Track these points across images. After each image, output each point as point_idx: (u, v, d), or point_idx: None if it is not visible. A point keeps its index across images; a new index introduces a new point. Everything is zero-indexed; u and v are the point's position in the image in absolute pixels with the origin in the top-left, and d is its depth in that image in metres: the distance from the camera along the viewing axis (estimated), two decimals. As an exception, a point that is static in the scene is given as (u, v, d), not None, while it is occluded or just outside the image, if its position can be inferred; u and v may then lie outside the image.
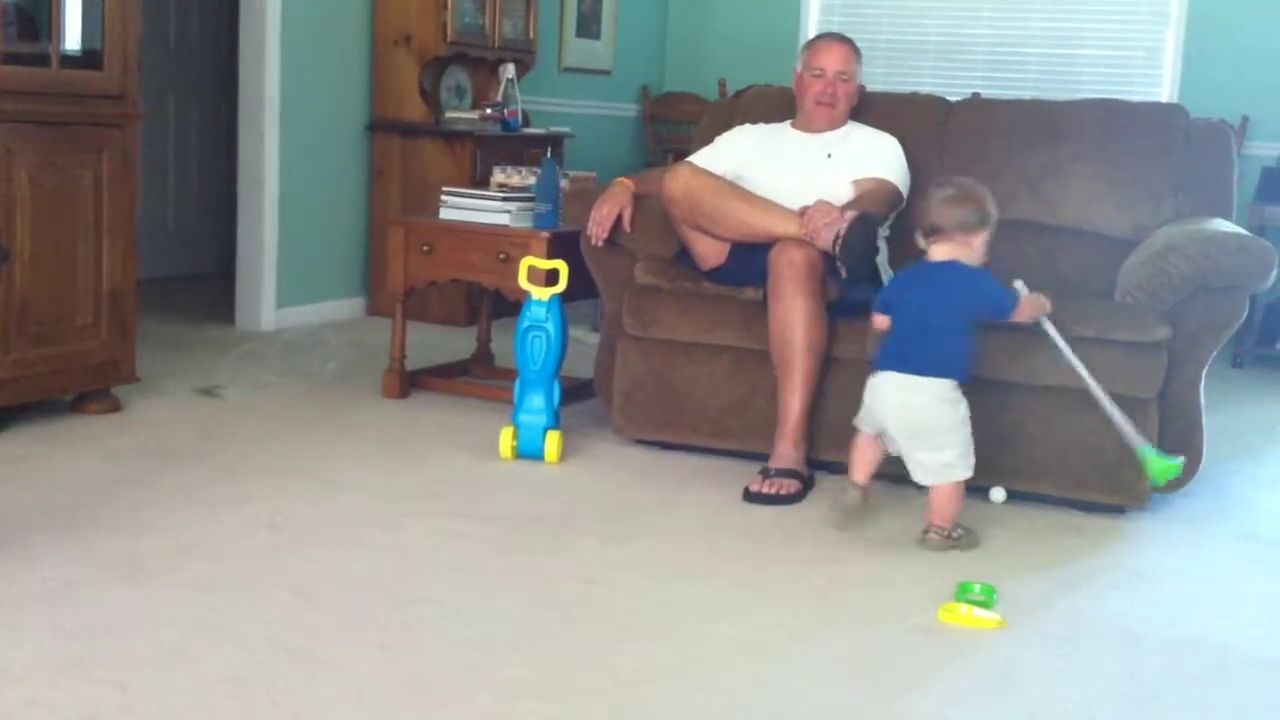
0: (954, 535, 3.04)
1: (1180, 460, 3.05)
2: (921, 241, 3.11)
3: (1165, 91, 6.46)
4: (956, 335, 3.05)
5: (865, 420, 3.11)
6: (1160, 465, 3.01)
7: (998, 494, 3.34)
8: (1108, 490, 3.36)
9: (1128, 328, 3.30)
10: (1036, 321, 3.12)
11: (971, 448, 3.05)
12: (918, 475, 3.07)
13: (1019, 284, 3.11)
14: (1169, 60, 6.50)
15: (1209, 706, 2.32)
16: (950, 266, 3.05)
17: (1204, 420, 3.42)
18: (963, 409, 3.04)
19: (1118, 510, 3.39)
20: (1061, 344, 3.09)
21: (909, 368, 3.02)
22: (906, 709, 2.25)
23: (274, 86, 5.17)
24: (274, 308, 5.28)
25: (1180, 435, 3.38)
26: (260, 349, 4.86)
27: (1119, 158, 3.86)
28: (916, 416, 3.03)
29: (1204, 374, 3.41)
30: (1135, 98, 6.01)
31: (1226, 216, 3.70)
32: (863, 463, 3.14)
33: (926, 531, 3.06)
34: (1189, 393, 3.38)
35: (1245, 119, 6.16)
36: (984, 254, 3.09)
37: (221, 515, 3.01)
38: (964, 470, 3.04)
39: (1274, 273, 3.29)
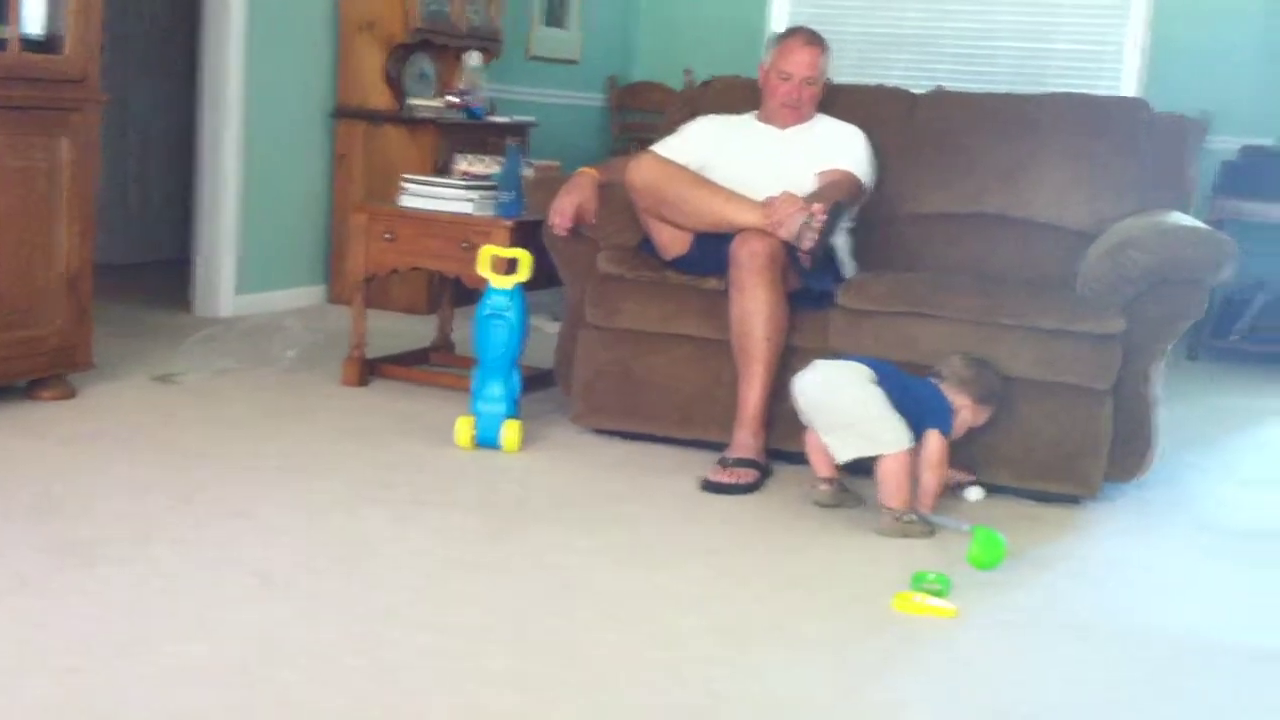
0: (905, 519, 3.07)
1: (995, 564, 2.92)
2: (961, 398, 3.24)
3: (1129, 86, 6.50)
4: (889, 388, 3.16)
5: (801, 415, 3.24)
6: (977, 554, 2.89)
7: (974, 493, 3.35)
8: (1064, 480, 3.38)
9: (1085, 319, 3.32)
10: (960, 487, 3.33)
11: (898, 425, 3.10)
12: (841, 454, 3.12)
13: (973, 492, 3.35)
14: (1133, 55, 6.54)
15: (1161, 695, 2.34)
16: (934, 390, 3.22)
17: (1159, 411, 3.45)
18: (878, 391, 3.12)
19: (1073, 500, 3.42)
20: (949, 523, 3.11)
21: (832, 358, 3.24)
22: (872, 697, 2.26)
23: (237, 71, 5.13)
24: (233, 294, 5.25)
25: (1133, 426, 3.40)
26: (219, 335, 4.82)
27: (1083, 151, 3.88)
28: (827, 392, 3.14)
29: (1160, 366, 3.44)
30: (1100, 92, 6.07)
31: (1186, 210, 3.72)
32: (818, 457, 3.20)
33: (881, 514, 3.09)
34: (1143, 384, 3.41)
35: (1206, 113, 6.20)
36: (961, 424, 3.22)
37: (180, 503, 2.98)
38: (898, 443, 3.08)
39: (1231, 266, 3.32)
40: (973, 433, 3.27)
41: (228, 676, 2.15)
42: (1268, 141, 5.95)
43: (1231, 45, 6.31)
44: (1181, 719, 2.26)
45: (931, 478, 3.13)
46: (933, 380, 3.24)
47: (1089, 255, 3.56)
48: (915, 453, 3.11)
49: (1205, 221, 3.62)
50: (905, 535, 3.05)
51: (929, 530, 3.08)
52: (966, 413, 3.22)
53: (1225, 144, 6.17)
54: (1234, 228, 5.47)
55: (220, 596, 2.48)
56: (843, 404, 3.14)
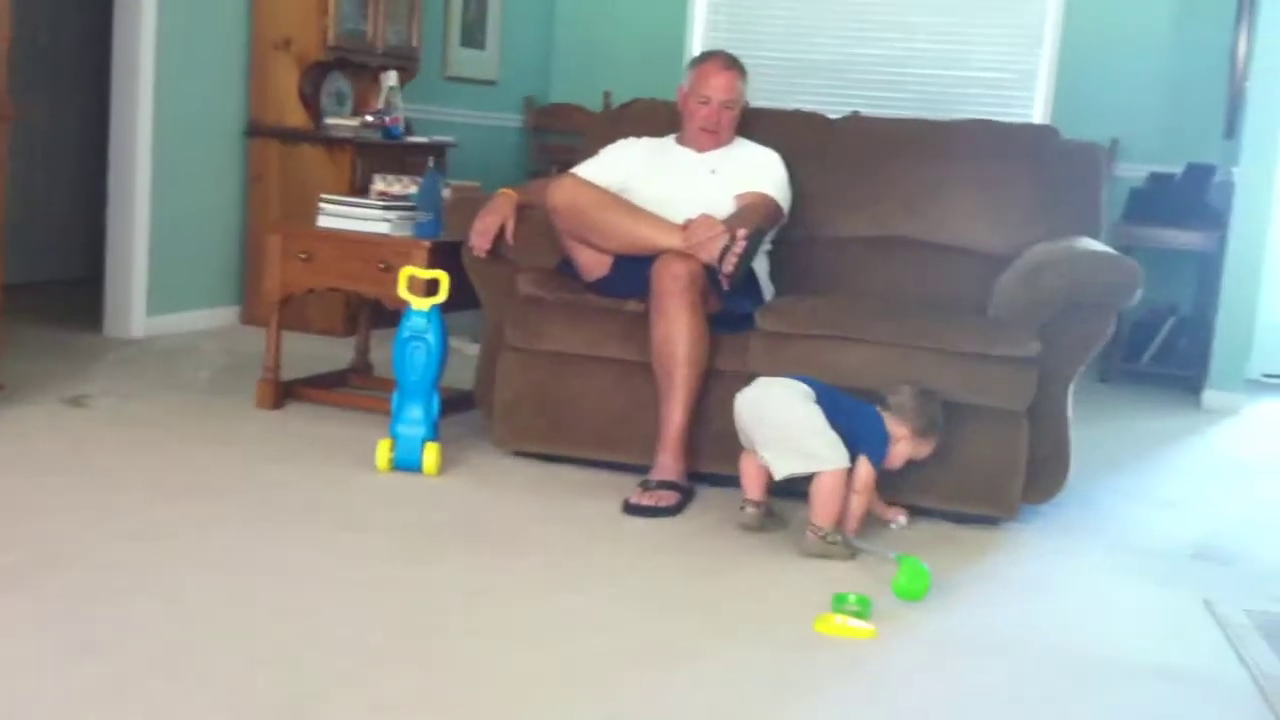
0: (830, 539, 3.08)
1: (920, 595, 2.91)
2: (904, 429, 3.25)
3: (1039, 113, 6.63)
4: (829, 413, 3.17)
5: (740, 434, 3.22)
6: (904, 585, 2.88)
7: (900, 521, 3.38)
8: (981, 501, 3.43)
9: (1001, 343, 3.37)
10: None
11: (836, 442, 3.12)
12: (780, 469, 3.13)
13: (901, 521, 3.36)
14: (1043, 83, 6.67)
15: (1074, 711, 2.38)
16: (876, 414, 3.23)
17: (1072, 433, 3.50)
18: (817, 409, 3.14)
19: (991, 521, 3.46)
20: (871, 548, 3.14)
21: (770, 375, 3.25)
22: (789, 717, 2.26)
23: (148, 88, 5.05)
24: (144, 315, 5.15)
25: (1049, 448, 3.46)
26: (131, 357, 4.73)
27: (994, 176, 3.95)
28: (768, 409, 3.16)
29: (1072, 388, 3.50)
30: (1011, 119, 6.18)
31: (1095, 236, 3.80)
32: (751, 479, 3.21)
33: (807, 531, 3.10)
34: (1058, 407, 3.46)
35: (1115, 141, 6.35)
36: (898, 453, 3.24)
37: (91, 527, 2.91)
38: (837, 460, 3.10)
39: (1139, 291, 3.39)
40: (911, 464, 3.29)
41: (130, 700, 2.10)
42: (1174, 169, 6.10)
43: (1139, 75, 6.46)
44: (1098, 737, 2.30)
45: (859, 503, 3.15)
46: (879, 408, 3.25)
47: (1003, 279, 3.61)
48: (847, 476, 3.13)
49: (1114, 248, 3.70)
50: (827, 555, 3.07)
51: (851, 553, 3.10)
52: (904, 444, 3.23)
53: (1133, 171, 6.32)
54: (1142, 254, 5.58)
55: (126, 620, 2.42)
56: (782, 419, 3.15)
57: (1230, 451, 4.80)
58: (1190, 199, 5.95)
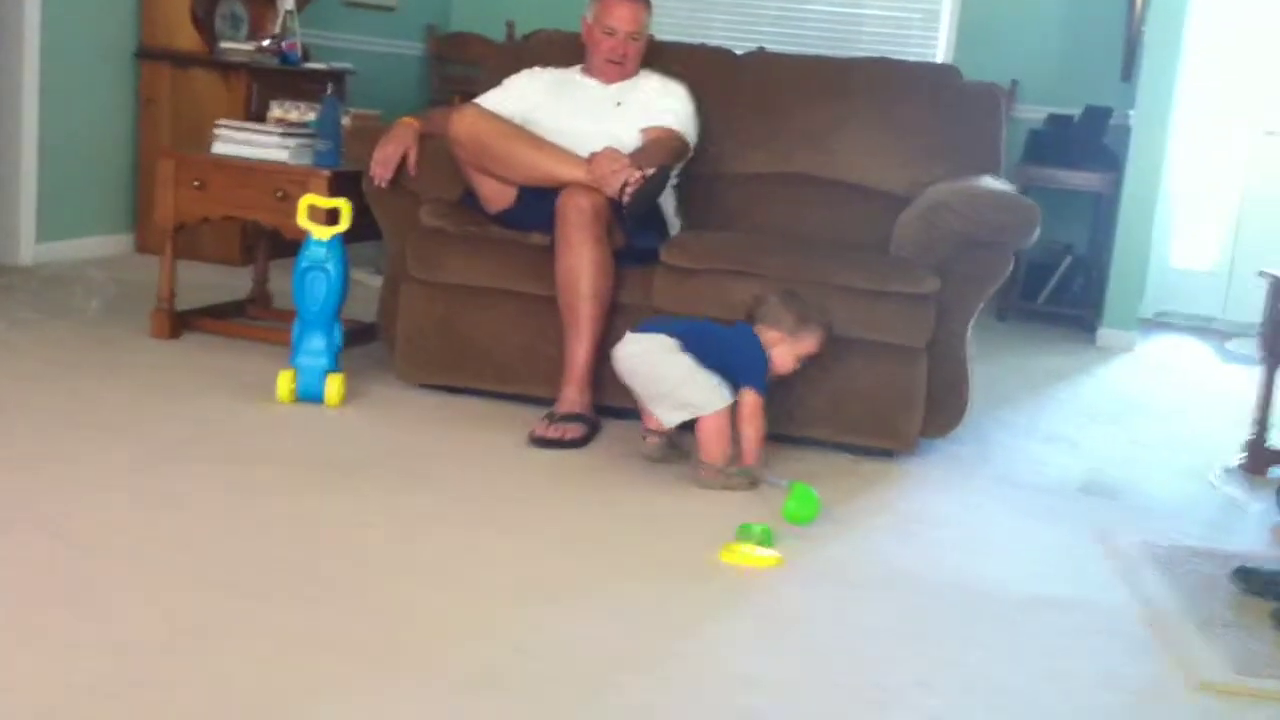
0: (725, 472, 3.11)
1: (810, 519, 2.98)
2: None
3: (940, 53, 6.68)
4: (704, 353, 3.17)
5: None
6: (793, 510, 2.96)
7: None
8: (879, 435, 3.48)
9: (900, 280, 3.40)
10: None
11: (708, 386, 3.13)
12: (667, 420, 3.17)
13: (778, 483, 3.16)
14: (945, 23, 6.71)
15: (970, 642, 2.43)
16: (746, 331, 3.23)
17: (970, 370, 3.56)
18: (683, 358, 3.15)
19: (888, 455, 3.51)
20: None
21: (638, 329, 3.23)
22: (685, 648, 2.28)
23: (34, 8, 4.86)
24: (33, 241, 4.99)
25: (947, 384, 3.51)
26: (18, 284, 4.59)
27: (896, 115, 3.96)
28: (639, 366, 3.18)
29: (970, 326, 3.55)
30: (913, 58, 6.21)
31: (995, 176, 3.84)
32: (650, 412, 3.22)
33: (699, 469, 3.12)
34: (956, 344, 3.52)
35: (1015, 83, 6.42)
36: (780, 360, 3.22)
37: (-27, 460, 2.83)
38: (711, 404, 3.12)
39: (1037, 231, 3.44)
40: (811, 364, 3.28)
41: (13, 630, 2.06)
42: (1072, 111, 6.19)
43: (1039, 17, 6.53)
44: (975, 660, 2.35)
45: (750, 432, 3.17)
46: (751, 325, 3.25)
47: (902, 218, 3.64)
48: (731, 412, 3.15)
49: (1013, 188, 3.75)
50: (726, 487, 3.10)
51: (750, 483, 3.13)
52: (784, 346, 3.23)
53: (1032, 113, 6.40)
54: (1040, 194, 5.67)
55: (10, 551, 2.37)
56: (655, 375, 3.17)
57: (1122, 389, 4.93)
58: (1087, 141, 6.05)
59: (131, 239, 5.46)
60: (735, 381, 3.17)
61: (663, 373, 3.16)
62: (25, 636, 2.07)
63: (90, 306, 4.36)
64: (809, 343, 3.26)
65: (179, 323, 4.05)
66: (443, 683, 2.06)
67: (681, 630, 2.35)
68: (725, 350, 3.21)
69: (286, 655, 2.10)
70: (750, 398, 3.17)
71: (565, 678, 2.12)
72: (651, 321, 3.30)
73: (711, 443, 3.12)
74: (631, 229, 3.48)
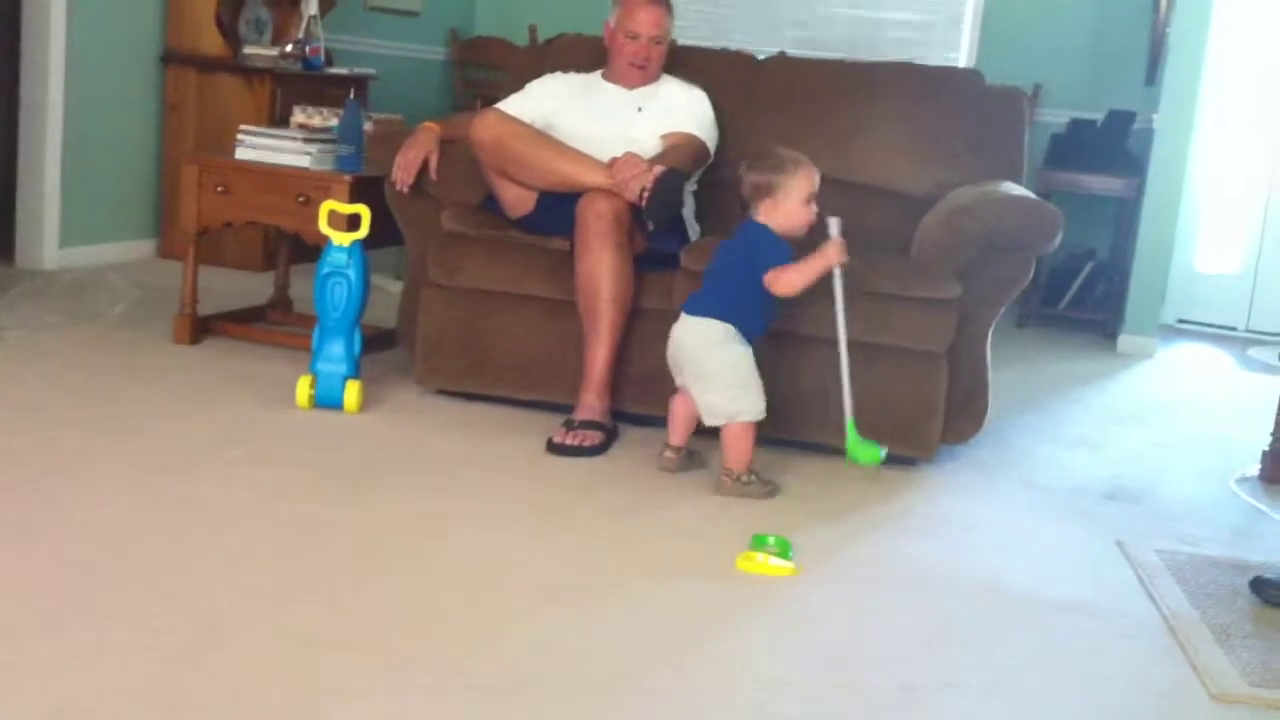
0: (745, 480, 3.11)
1: (883, 452, 3.09)
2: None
3: (964, 57, 6.66)
4: (739, 284, 3.15)
5: (672, 366, 3.22)
6: (859, 446, 3.07)
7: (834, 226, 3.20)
8: (900, 442, 3.45)
9: (923, 284, 3.39)
10: (835, 270, 3.15)
11: (753, 393, 3.12)
12: (705, 418, 3.16)
13: (833, 224, 3.16)
14: (968, 27, 6.70)
15: (995, 645, 2.43)
16: (747, 225, 3.19)
17: (990, 375, 3.55)
18: (733, 353, 3.13)
19: (909, 462, 3.50)
20: (839, 300, 3.13)
21: (689, 309, 3.19)
22: (710, 651, 2.28)
23: (60, 13, 4.90)
24: (57, 246, 5.03)
25: (968, 390, 3.50)
26: (42, 289, 4.62)
27: (919, 119, 3.95)
28: (687, 355, 3.15)
29: (991, 331, 3.54)
30: (936, 63, 6.20)
31: (1017, 180, 3.83)
32: (676, 424, 3.23)
33: (721, 476, 3.11)
34: (977, 349, 3.50)
35: (1038, 87, 6.40)
36: (789, 217, 3.15)
37: (3, 462, 2.85)
38: (748, 413, 3.11)
39: (1059, 236, 3.42)
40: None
41: (42, 635, 2.07)
42: (1095, 116, 6.16)
43: (1062, 21, 6.50)
44: (1000, 663, 2.34)
45: (794, 278, 3.11)
46: (752, 217, 3.19)
47: (924, 221, 3.63)
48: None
49: (1035, 192, 3.74)
50: (745, 495, 3.09)
51: (769, 491, 3.12)
52: (782, 209, 3.14)
53: (1055, 117, 6.37)
54: (1062, 199, 5.66)
55: (39, 556, 2.38)
56: (707, 369, 3.13)
57: (1143, 394, 4.90)
58: (1110, 145, 6.03)
59: (154, 244, 5.49)
60: (768, 269, 3.11)
61: (714, 370, 3.13)
62: (55, 639, 2.08)
63: (113, 311, 4.38)
64: (798, 186, 3.15)
65: (201, 327, 4.07)
66: (465, 685, 2.06)
67: (705, 634, 2.35)
68: (747, 264, 3.14)
69: (310, 656, 2.11)
70: (772, 274, 3.11)
71: (589, 680, 2.12)
72: (696, 297, 3.22)
73: (735, 449, 3.12)
74: (651, 234, 3.48)
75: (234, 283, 4.94)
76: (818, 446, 3.46)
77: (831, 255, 3.12)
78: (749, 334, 3.17)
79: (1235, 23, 6.17)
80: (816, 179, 3.20)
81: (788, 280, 3.12)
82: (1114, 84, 6.37)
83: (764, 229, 3.17)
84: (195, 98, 5.40)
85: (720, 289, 3.19)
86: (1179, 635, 2.54)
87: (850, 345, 3.18)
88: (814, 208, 3.19)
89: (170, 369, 3.76)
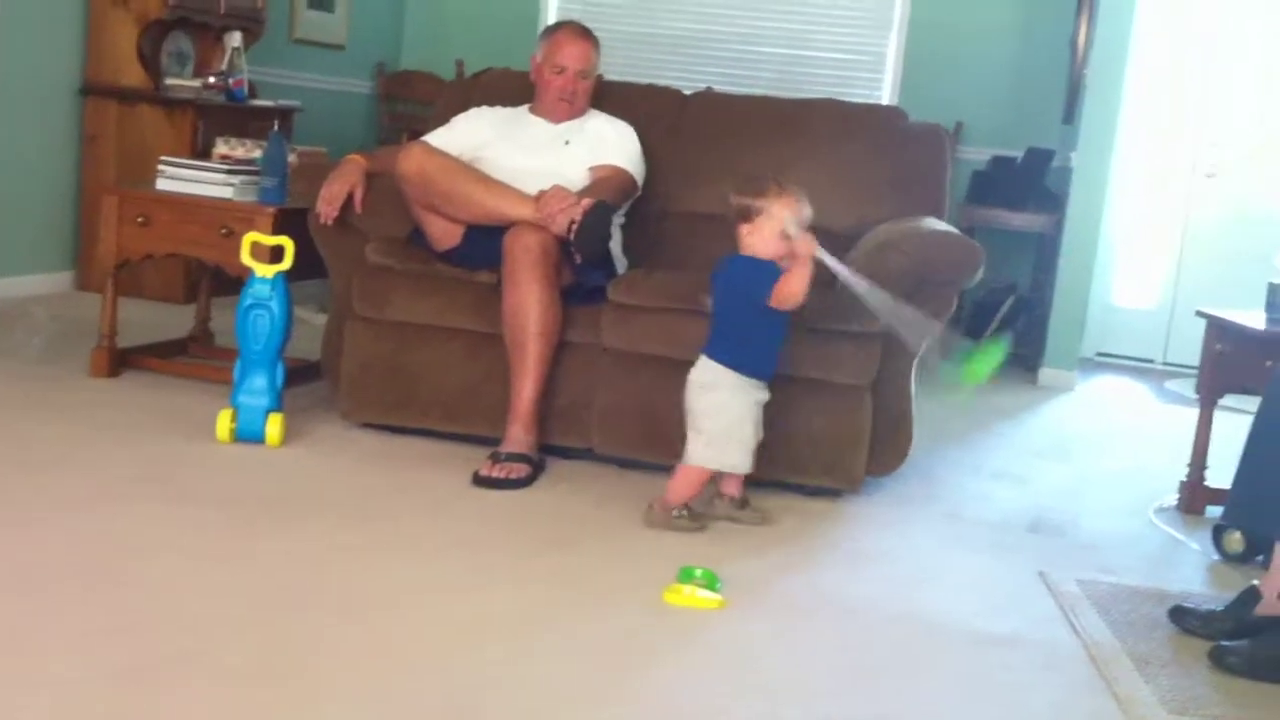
0: (676, 514, 3.10)
1: (998, 354, 3.04)
2: None
3: (887, 95, 6.75)
4: (737, 320, 3.10)
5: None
6: (971, 365, 3.02)
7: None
8: (826, 474, 3.48)
9: (848, 318, 3.41)
10: (818, 260, 3.02)
11: (733, 446, 3.07)
12: (694, 454, 3.10)
13: (789, 222, 3.01)
14: (891, 66, 6.79)
15: (919, 678, 2.44)
16: (726, 261, 3.13)
17: (914, 408, 3.58)
18: (717, 399, 3.07)
19: (834, 493, 3.52)
20: (844, 274, 3.02)
21: (712, 352, 3.12)
22: (637, 685, 2.27)
23: (-25, 41, 4.82)
24: (-29, 279, 4.93)
25: (891, 422, 3.53)
26: (-45, 323, 4.52)
27: (843, 155, 4.00)
28: (706, 401, 3.09)
29: (915, 364, 3.57)
30: (860, 99, 6.28)
31: (940, 216, 3.88)
32: (679, 486, 3.16)
33: (650, 506, 3.12)
34: (901, 382, 3.54)
35: (959, 124, 6.50)
36: (766, 244, 3.04)
37: (-95, 500, 2.78)
38: (707, 459, 3.08)
39: (981, 270, 3.47)
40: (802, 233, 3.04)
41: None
42: (1015, 153, 6.27)
43: (984, 61, 6.62)
44: (924, 696, 2.36)
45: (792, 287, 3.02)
46: (728, 256, 3.11)
47: (849, 257, 3.66)
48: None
49: (957, 228, 3.78)
50: (674, 529, 3.09)
51: (698, 526, 3.12)
52: (758, 235, 3.04)
53: (976, 154, 6.48)
54: (983, 235, 5.75)
55: (-47, 601, 2.32)
56: (697, 407, 3.09)
57: (1064, 427, 4.97)
58: (1030, 182, 6.13)
59: (72, 276, 5.39)
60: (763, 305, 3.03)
61: (697, 410, 3.08)
62: (-46, 681, 2.02)
63: (30, 345, 4.29)
64: (778, 210, 3.03)
65: (119, 361, 4.00)
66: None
67: (633, 668, 2.34)
68: (741, 297, 3.08)
69: (234, 694, 2.06)
70: (774, 297, 3.01)
71: (518, 714, 2.10)
72: (711, 342, 3.13)
73: (680, 487, 3.10)
74: (578, 267, 3.48)
75: (154, 315, 4.86)
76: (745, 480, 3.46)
77: (802, 249, 2.99)
78: (758, 372, 3.10)
79: (1151, 63, 6.31)
80: (803, 211, 3.06)
81: (789, 294, 3.01)
82: (1033, 122, 6.49)
83: (742, 260, 3.08)
84: (115, 129, 5.33)
85: (720, 327, 3.13)
86: (1101, 665, 2.56)
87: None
88: (800, 238, 3.01)
89: (88, 403, 3.69)
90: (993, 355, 2.99)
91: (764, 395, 3.14)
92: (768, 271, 3.05)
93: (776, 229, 3.03)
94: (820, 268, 3.03)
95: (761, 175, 3.15)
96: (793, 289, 3.03)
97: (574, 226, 3.36)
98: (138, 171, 4.97)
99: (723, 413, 3.08)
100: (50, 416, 3.52)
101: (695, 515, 3.13)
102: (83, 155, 5.36)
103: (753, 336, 3.11)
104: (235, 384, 3.46)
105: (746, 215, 3.07)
